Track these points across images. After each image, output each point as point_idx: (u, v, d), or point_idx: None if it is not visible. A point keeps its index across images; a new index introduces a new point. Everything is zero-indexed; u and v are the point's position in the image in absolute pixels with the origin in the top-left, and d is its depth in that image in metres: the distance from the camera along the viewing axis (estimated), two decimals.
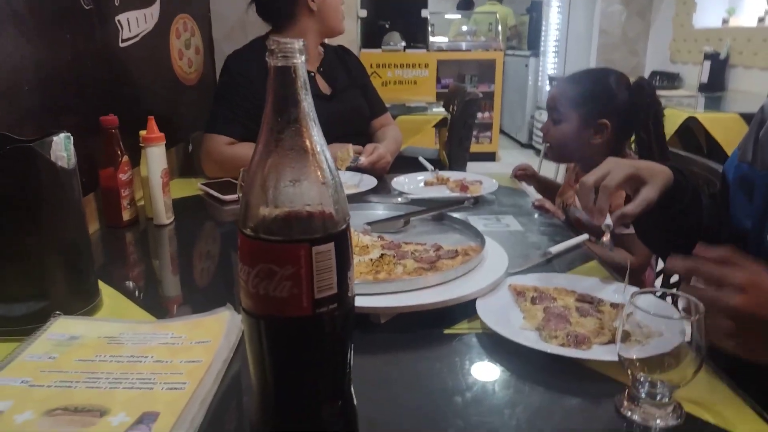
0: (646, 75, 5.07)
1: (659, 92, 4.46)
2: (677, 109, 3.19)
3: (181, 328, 0.82)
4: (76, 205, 0.88)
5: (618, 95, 1.48)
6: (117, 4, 1.44)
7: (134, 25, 1.53)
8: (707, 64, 4.22)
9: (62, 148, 0.83)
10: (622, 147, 1.53)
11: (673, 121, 3.13)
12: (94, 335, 0.79)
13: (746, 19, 4.21)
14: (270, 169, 0.49)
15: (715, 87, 4.17)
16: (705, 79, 4.24)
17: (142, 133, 1.31)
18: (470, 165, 3.94)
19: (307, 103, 0.49)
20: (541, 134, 5.61)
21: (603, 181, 0.84)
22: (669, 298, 1.14)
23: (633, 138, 1.55)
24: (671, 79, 4.70)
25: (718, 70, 4.18)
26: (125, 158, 1.29)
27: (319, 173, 0.49)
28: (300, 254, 0.48)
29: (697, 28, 4.63)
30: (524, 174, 1.70)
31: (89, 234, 0.94)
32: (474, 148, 5.67)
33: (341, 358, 0.54)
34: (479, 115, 5.92)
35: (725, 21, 4.33)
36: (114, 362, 0.73)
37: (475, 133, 5.91)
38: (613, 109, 1.48)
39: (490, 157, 6.02)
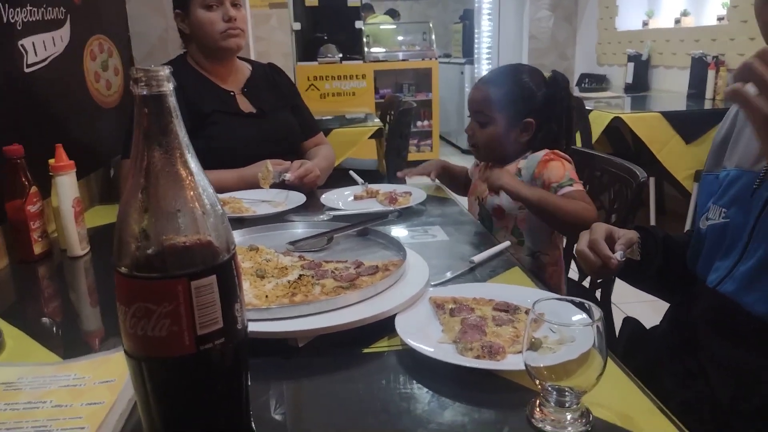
0: (576, 77, 5.24)
1: (588, 94, 4.58)
2: (604, 111, 3.30)
3: (86, 367, 0.78)
4: None
5: (537, 92, 1.52)
6: (19, 28, 1.37)
7: (41, 49, 1.47)
8: (631, 65, 4.39)
9: None
10: (554, 141, 1.55)
11: (599, 122, 3.22)
12: None
13: (664, 20, 4.40)
14: (141, 202, 0.47)
15: (639, 87, 4.33)
16: (630, 79, 4.40)
17: (51, 161, 1.26)
18: None
19: (179, 130, 0.47)
20: None
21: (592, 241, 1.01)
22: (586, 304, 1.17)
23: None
24: (599, 81, 4.87)
25: (641, 70, 4.34)
26: (34, 189, 1.23)
27: (195, 202, 0.47)
28: (177, 290, 0.46)
29: (620, 31, 4.81)
30: (438, 174, 1.71)
31: None
32: (415, 156, 5.72)
33: (235, 393, 0.52)
34: (419, 123, 5.98)
35: (645, 23, 4.52)
36: (9, 410, 0.69)
37: (415, 141, 5.96)
38: (534, 105, 1.52)
39: None
